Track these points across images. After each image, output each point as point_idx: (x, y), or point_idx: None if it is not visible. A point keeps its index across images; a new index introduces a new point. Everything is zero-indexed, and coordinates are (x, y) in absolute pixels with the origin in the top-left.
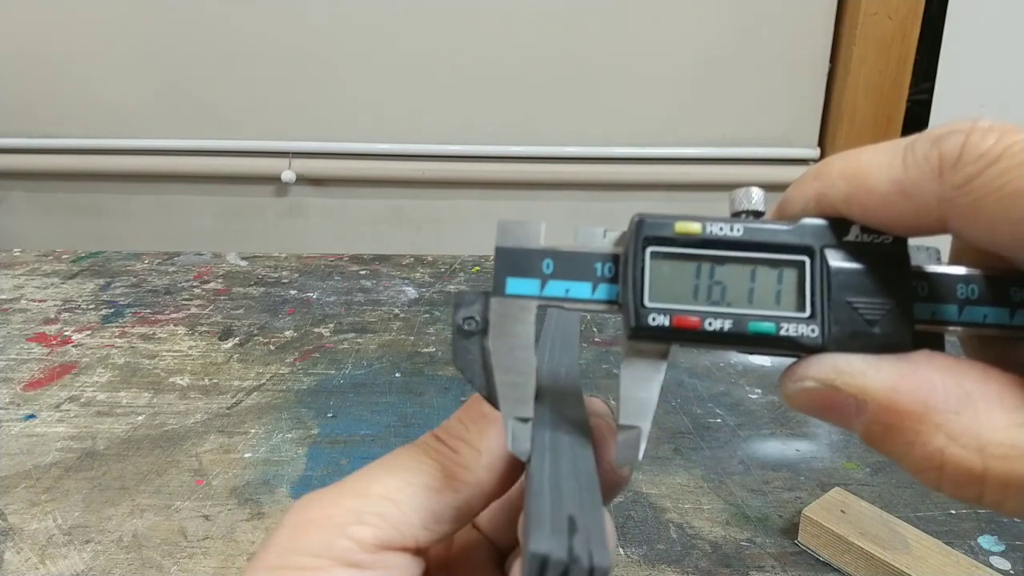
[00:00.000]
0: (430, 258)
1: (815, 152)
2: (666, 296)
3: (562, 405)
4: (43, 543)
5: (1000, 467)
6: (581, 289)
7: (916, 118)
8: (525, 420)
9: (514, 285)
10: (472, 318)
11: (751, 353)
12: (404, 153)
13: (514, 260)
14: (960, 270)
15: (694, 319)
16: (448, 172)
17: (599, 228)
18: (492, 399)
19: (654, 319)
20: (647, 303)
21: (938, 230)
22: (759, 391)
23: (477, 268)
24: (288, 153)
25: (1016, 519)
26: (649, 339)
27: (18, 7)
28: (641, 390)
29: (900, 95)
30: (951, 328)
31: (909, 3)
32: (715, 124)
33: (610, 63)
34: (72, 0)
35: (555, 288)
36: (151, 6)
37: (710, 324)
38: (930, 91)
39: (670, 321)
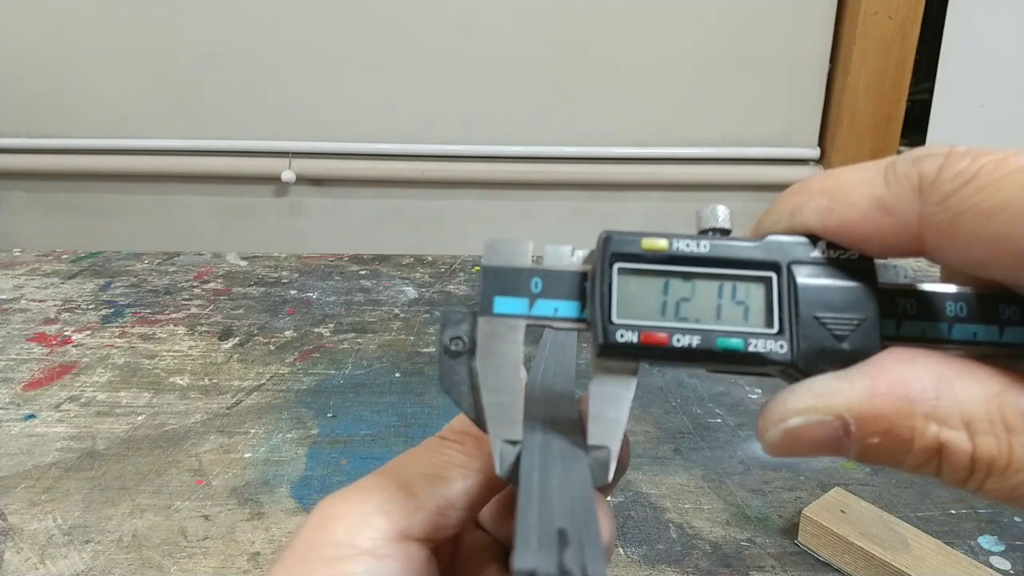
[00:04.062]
0: (430, 258)
1: (815, 152)
2: (634, 312)
3: (554, 421)
4: (43, 543)
5: (983, 444)
6: (570, 308)
7: (916, 118)
8: (514, 443)
9: (502, 304)
10: (459, 338)
11: (721, 372)
12: (404, 153)
13: (501, 279)
14: (950, 288)
15: (662, 335)
16: (448, 172)
17: (567, 246)
18: (480, 421)
19: (622, 336)
20: (615, 319)
21: (914, 250)
22: (759, 391)
23: (477, 268)
24: (288, 153)
25: (1011, 515)
26: (617, 356)
27: (18, 7)
28: (610, 409)
29: (900, 95)
30: (942, 347)
31: (909, 3)
32: (715, 124)
33: (610, 63)
34: (72, 0)
35: (544, 307)
36: (151, 6)
37: (678, 340)
38: (930, 91)
39: (638, 338)
